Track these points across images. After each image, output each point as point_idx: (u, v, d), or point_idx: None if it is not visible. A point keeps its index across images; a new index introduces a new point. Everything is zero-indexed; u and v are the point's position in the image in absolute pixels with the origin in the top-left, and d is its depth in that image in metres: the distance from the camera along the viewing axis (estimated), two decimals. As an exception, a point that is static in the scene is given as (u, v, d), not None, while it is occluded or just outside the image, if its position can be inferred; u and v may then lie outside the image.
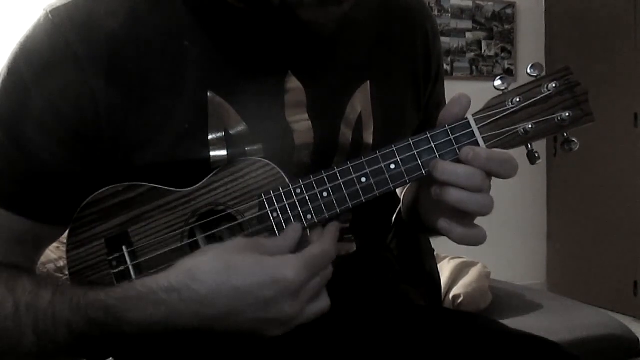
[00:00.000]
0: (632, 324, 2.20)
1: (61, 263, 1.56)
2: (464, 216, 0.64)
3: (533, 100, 0.64)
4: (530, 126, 0.63)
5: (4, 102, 0.66)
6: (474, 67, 3.62)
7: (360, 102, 0.73)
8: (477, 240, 0.64)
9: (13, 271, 0.65)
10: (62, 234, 0.72)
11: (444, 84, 0.87)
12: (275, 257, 0.60)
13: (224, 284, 0.58)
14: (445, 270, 2.04)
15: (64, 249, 0.68)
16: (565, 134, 0.64)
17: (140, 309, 0.59)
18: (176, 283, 0.59)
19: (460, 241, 0.65)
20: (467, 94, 0.65)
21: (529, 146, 0.65)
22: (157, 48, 0.67)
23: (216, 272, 0.59)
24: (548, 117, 0.63)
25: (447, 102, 0.74)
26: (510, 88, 0.65)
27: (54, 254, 1.59)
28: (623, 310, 3.09)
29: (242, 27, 0.69)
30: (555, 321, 1.82)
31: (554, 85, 0.63)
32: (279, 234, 0.65)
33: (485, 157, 0.62)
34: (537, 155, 0.65)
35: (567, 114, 0.63)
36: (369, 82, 0.74)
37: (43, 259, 0.75)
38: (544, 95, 0.63)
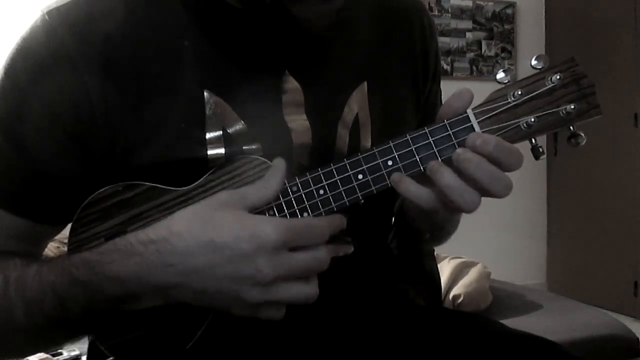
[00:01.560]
0: (632, 324, 2.20)
1: (61, 263, 1.56)
2: (444, 203, 0.61)
3: (536, 93, 0.62)
4: (532, 120, 0.61)
5: (1, 104, 0.66)
6: (474, 67, 3.62)
7: (358, 103, 0.73)
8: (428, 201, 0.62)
9: (7, 254, 0.66)
10: (59, 232, 0.72)
11: (440, 86, 0.87)
12: (256, 215, 0.60)
13: (202, 237, 0.58)
14: (445, 270, 2.04)
15: (64, 249, 0.68)
16: (572, 128, 0.62)
17: (119, 262, 0.59)
18: (154, 236, 0.59)
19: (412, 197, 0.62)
20: (468, 93, 0.64)
21: (533, 141, 0.63)
22: (154, 48, 0.67)
23: (194, 227, 0.58)
24: (552, 110, 0.62)
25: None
26: None
27: (54, 254, 1.59)
28: (623, 310, 3.09)
29: (239, 26, 0.69)
30: (555, 321, 1.82)
31: (558, 77, 0.61)
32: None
33: (495, 143, 0.59)
34: (541, 150, 0.63)
35: (573, 107, 0.61)
36: (365, 83, 0.74)
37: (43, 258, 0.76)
38: (547, 87, 0.62)
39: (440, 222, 0.66)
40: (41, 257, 0.74)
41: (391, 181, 0.63)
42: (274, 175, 0.63)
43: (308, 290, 0.60)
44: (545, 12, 3.76)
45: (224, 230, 0.58)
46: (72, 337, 0.68)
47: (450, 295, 1.96)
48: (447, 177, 0.60)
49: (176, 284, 0.58)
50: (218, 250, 0.57)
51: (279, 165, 0.63)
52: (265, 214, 0.64)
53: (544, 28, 3.76)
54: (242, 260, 0.57)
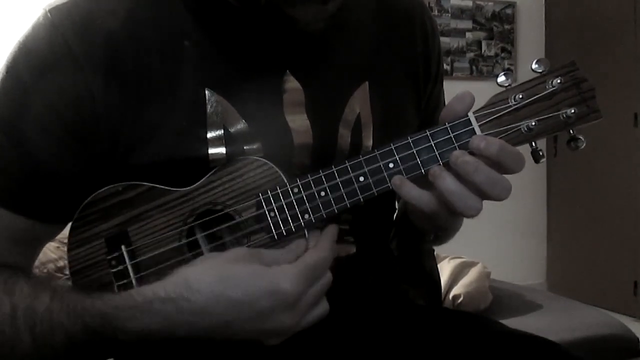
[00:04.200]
0: (632, 324, 2.20)
1: (61, 263, 1.56)
2: (446, 207, 0.62)
3: (537, 96, 0.62)
4: (533, 123, 0.62)
5: (3, 102, 0.66)
6: (474, 67, 3.61)
7: (359, 103, 0.73)
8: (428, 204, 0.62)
9: (11, 273, 0.65)
10: (59, 232, 0.72)
11: (442, 86, 0.87)
12: (272, 267, 0.60)
13: (221, 295, 0.58)
14: (445, 270, 2.04)
15: (64, 249, 0.68)
16: (572, 132, 0.63)
17: (137, 319, 0.59)
18: (173, 293, 0.59)
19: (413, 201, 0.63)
20: (468, 94, 0.64)
21: (533, 144, 0.63)
22: (155, 47, 0.67)
23: (212, 283, 0.59)
24: (552, 114, 0.62)
25: (446, 103, 0.74)
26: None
27: (54, 254, 1.59)
28: (623, 310, 3.08)
29: (240, 25, 0.69)
30: (555, 321, 1.82)
31: (558, 81, 0.62)
32: (276, 234, 0.64)
33: (498, 146, 0.60)
34: (541, 154, 0.63)
35: (573, 111, 0.61)
36: (367, 83, 0.74)
37: (43, 258, 0.76)
38: (548, 91, 0.62)
39: (443, 223, 0.66)
40: (36, 259, 0.74)
41: (392, 184, 0.63)
42: (293, 249, 0.63)
43: (322, 310, 0.62)
44: (545, 12, 3.75)
45: (241, 287, 0.58)
46: None
47: (450, 295, 1.96)
48: (448, 182, 0.60)
49: (196, 336, 0.59)
50: (237, 307, 0.58)
51: (301, 244, 0.64)
52: (267, 215, 0.64)
53: (543, 28, 3.75)
54: (263, 317, 0.58)
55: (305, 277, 0.59)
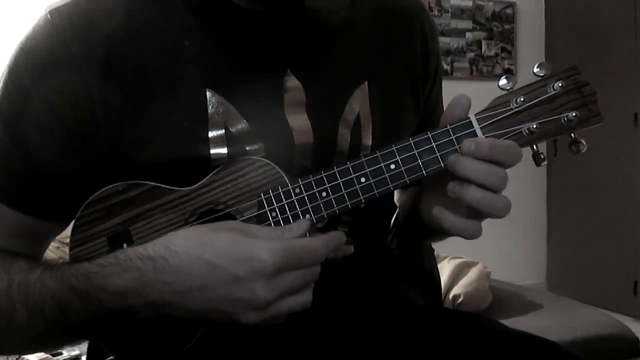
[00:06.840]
0: (632, 324, 2.20)
1: (61, 263, 1.56)
2: (476, 215, 0.62)
3: (538, 100, 0.62)
4: (534, 126, 0.62)
5: (5, 102, 0.67)
6: (474, 67, 3.61)
7: (359, 102, 0.73)
8: (475, 232, 0.63)
9: (12, 254, 0.66)
10: (64, 229, 0.73)
11: (441, 85, 0.87)
12: (255, 238, 0.59)
13: (198, 257, 0.58)
14: (445, 270, 2.04)
15: (64, 249, 0.68)
16: (573, 135, 0.63)
17: (117, 275, 0.59)
18: (153, 252, 0.59)
19: (459, 232, 0.63)
20: (467, 94, 0.64)
21: (535, 147, 0.64)
22: (155, 48, 0.67)
23: (191, 246, 0.58)
24: (554, 118, 0.62)
25: (445, 102, 0.74)
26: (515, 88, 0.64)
27: (54, 254, 1.59)
28: (623, 310, 3.09)
29: (241, 25, 0.69)
30: (555, 321, 1.82)
31: (560, 84, 0.62)
32: None
33: (489, 145, 0.60)
34: (542, 157, 0.63)
35: (574, 114, 0.62)
36: (367, 82, 0.74)
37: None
38: (549, 95, 0.62)
39: None
40: (43, 256, 0.75)
41: (436, 217, 0.63)
42: (293, 228, 0.62)
43: (303, 299, 0.60)
44: (545, 12, 3.75)
45: (220, 252, 0.58)
46: (72, 341, 0.68)
47: (450, 295, 1.96)
48: (474, 193, 0.60)
49: (171, 301, 0.59)
50: (213, 272, 0.57)
51: (303, 225, 0.63)
52: (268, 215, 0.64)
53: (543, 28, 3.75)
54: (237, 283, 0.57)
55: (287, 255, 0.58)
